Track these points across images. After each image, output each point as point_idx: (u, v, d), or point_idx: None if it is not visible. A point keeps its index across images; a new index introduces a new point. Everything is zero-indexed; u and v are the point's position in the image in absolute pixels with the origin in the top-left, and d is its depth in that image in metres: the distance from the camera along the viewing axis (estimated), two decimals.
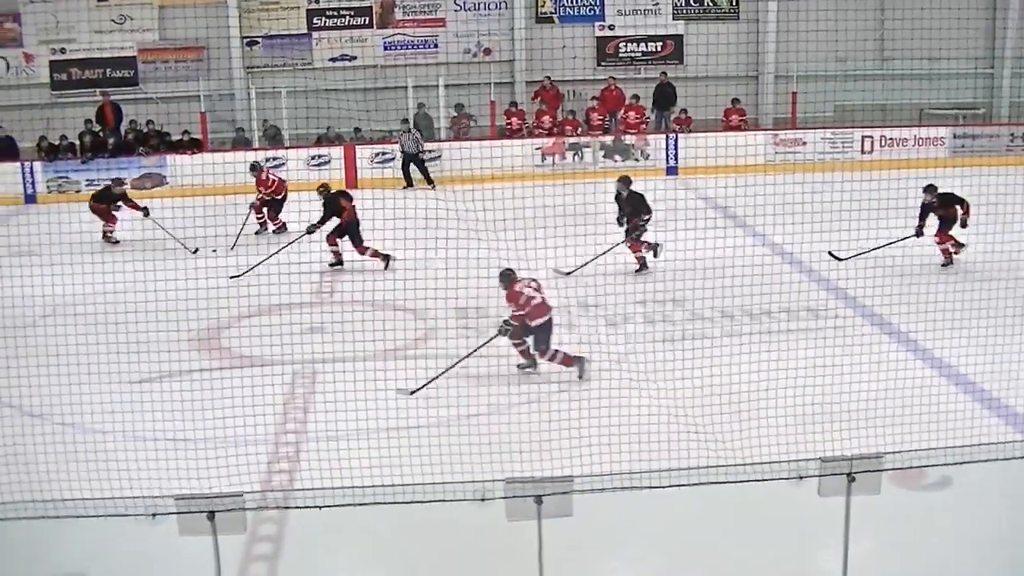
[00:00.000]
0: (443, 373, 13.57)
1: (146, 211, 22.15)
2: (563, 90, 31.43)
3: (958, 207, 18.33)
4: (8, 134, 29.37)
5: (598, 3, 32.11)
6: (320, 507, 7.63)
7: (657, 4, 32.07)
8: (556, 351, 13.90)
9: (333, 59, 31.50)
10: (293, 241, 20.32)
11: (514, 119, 30.48)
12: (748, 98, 31.62)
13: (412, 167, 28.11)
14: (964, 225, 18.33)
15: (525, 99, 31.24)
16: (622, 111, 30.62)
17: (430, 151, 28.55)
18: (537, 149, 29.20)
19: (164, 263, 17.72)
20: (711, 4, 32.27)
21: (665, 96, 30.67)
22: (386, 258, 19.52)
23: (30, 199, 28.20)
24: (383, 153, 28.79)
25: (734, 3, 32.25)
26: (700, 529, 9.10)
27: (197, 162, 27.16)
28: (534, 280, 14.09)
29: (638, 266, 19.06)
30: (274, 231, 22.94)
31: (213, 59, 31.23)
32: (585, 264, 18.14)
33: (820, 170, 24.20)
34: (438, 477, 8.70)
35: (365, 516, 7.77)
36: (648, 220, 18.88)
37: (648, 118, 30.70)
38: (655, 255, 18.85)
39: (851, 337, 14.69)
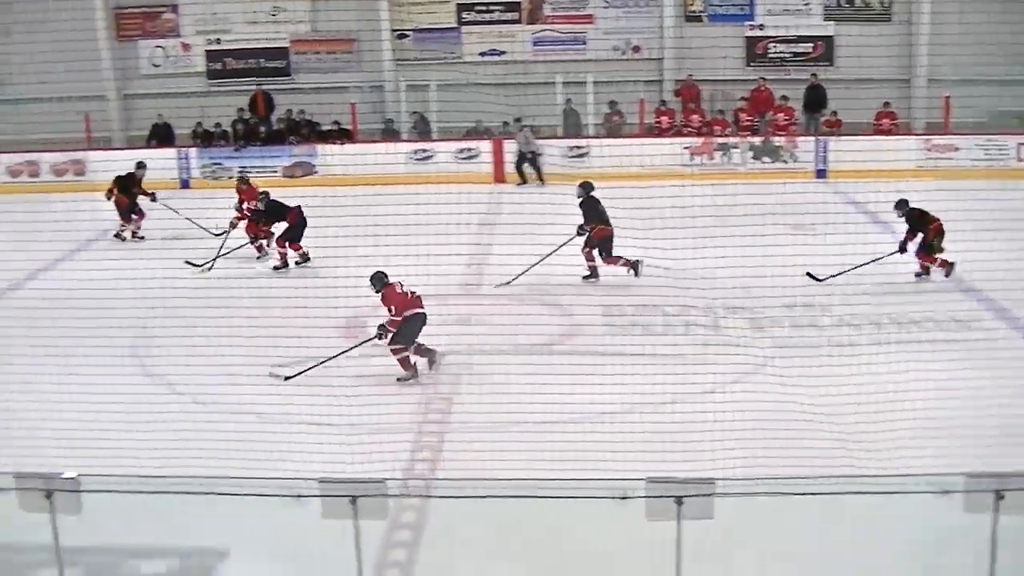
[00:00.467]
0: (319, 364, 13.87)
1: (153, 196, 22.48)
2: (711, 90, 31.12)
3: (927, 226, 17.72)
4: (166, 121, 30.12)
5: (748, 2, 31.70)
6: (460, 497, 7.71)
7: (808, 4, 31.55)
8: (417, 345, 14.24)
9: (482, 53, 31.62)
10: (243, 245, 20.78)
11: (664, 117, 30.25)
12: (900, 102, 30.94)
13: (525, 164, 28.23)
14: (929, 245, 17.81)
15: (673, 97, 31.04)
16: (771, 112, 30.28)
17: (578, 147, 28.64)
18: (685, 148, 28.98)
19: (313, 251, 18.04)
20: (863, 5, 31.71)
21: (815, 98, 30.21)
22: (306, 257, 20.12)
23: (184, 184, 28.87)
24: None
25: (886, 5, 31.64)
26: (840, 539, 8.97)
27: (347, 152, 27.55)
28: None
29: (587, 273, 18.68)
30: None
31: (364, 51, 31.56)
32: (523, 272, 17.83)
33: (973, 177, 23.70)
34: (580, 473, 8.73)
35: (505, 509, 7.82)
36: (591, 231, 18.38)
37: (797, 120, 30.31)
38: (636, 273, 18.33)
39: (999, 350, 14.36)
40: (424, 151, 28.70)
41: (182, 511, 8.18)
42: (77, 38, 30.00)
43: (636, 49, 31.65)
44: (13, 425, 12.01)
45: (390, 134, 30.16)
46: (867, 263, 17.36)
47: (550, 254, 17.91)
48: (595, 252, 18.54)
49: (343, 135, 29.37)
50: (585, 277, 18.62)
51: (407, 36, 31.62)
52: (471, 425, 11.97)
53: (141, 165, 23.07)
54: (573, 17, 31.60)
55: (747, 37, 31.68)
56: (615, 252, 18.32)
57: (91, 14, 30.71)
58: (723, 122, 30.00)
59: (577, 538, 8.82)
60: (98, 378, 13.25)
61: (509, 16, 31.61)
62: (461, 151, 28.88)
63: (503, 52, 31.60)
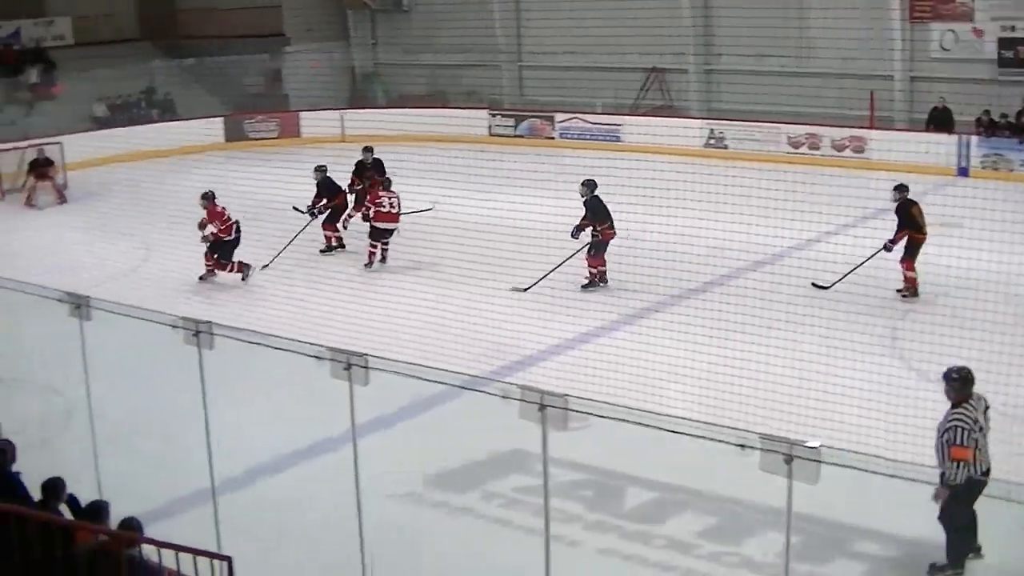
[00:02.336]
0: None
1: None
2: None
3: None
4: (946, 106, 29.85)
5: None
6: None
7: None
8: (233, 263, 19.53)
9: None
10: (307, 224, 21.17)
11: None
12: None
13: None
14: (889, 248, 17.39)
15: None
16: None
17: None
18: None
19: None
20: None
21: None
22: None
23: (963, 172, 28.57)
24: None
25: None
26: None
27: None
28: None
29: (587, 281, 18.40)
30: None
31: None
32: (543, 278, 18.01)
33: None
34: None
35: None
36: (602, 230, 18.13)
37: None
38: (602, 284, 18.40)
39: None
40: None
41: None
42: (872, 16, 30.52)
43: None
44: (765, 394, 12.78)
45: None
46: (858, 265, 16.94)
47: (568, 259, 18.41)
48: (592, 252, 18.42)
49: None
50: (584, 286, 18.43)
51: None
52: None
53: (368, 149, 22.93)
54: None
55: None
56: None
57: None
58: None
59: None
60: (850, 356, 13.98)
61: None
62: None
63: None
